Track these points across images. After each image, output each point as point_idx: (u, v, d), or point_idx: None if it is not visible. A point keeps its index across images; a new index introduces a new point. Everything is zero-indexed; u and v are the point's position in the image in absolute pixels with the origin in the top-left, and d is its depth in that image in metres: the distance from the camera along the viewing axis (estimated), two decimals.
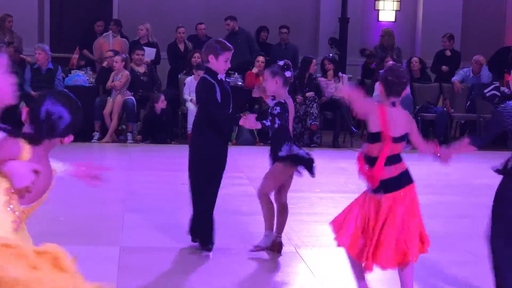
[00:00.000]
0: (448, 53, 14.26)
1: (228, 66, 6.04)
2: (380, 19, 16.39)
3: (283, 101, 6.13)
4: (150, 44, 13.57)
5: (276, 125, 6.00)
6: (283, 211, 6.23)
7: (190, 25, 14.20)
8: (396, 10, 16.45)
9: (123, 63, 12.52)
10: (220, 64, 5.92)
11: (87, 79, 12.94)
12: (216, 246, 6.11)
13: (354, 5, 15.21)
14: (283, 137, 6.06)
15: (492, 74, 13.65)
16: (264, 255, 6.15)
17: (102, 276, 5.33)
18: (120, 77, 12.44)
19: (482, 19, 16.50)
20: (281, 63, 6.17)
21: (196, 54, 12.59)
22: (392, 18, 16.42)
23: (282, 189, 6.21)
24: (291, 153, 6.02)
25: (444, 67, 14.03)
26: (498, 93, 13.40)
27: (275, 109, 6.03)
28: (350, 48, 14.83)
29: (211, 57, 5.91)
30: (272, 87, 6.11)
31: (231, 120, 6.23)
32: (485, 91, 13.39)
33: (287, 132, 6.09)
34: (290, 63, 6.25)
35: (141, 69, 12.93)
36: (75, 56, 14.11)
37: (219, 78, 5.94)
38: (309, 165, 6.10)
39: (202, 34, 14.01)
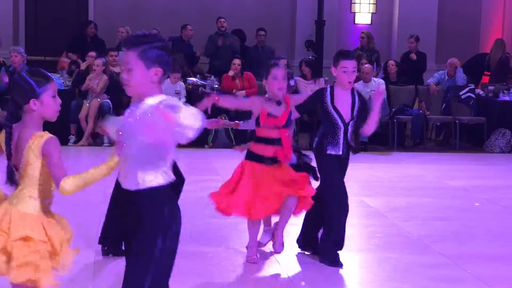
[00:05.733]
0: (413, 56, 14.29)
1: None
2: (356, 21, 16.47)
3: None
4: None
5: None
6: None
7: (167, 28, 14.17)
8: (372, 13, 16.54)
9: (103, 67, 12.48)
10: None
11: (63, 82, 12.87)
12: (192, 250, 6.12)
13: (330, 8, 15.27)
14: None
15: (467, 77, 13.73)
16: (240, 259, 6.15)
17: (77, 280, 5.32)
18: (98, 81, 12.40)
19: (457, 21, 16.64)
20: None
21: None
22: (368, 21, 16.51)
23: None
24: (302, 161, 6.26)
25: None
26: (473, 95, 13.50)
27: None
28: (326, 50, 14.88)
29: None
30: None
31: None
32: (461, 93, 13.48)
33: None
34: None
35: (117, 69, 12.86)
36: (65, 60, 13.94)
37: None
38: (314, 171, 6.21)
39: (189, 35, 14.07)
